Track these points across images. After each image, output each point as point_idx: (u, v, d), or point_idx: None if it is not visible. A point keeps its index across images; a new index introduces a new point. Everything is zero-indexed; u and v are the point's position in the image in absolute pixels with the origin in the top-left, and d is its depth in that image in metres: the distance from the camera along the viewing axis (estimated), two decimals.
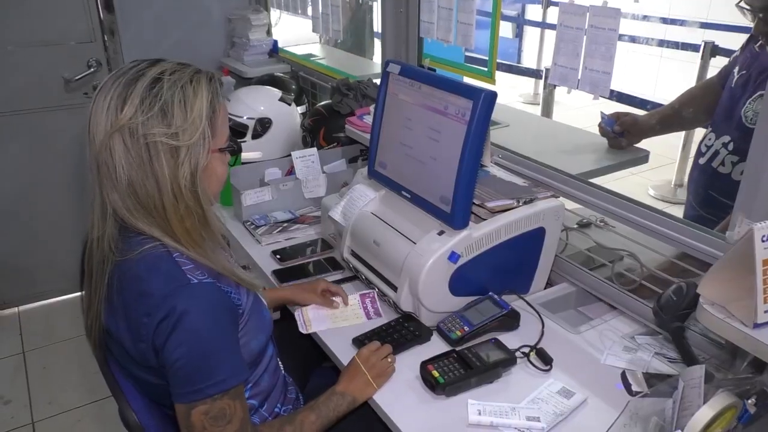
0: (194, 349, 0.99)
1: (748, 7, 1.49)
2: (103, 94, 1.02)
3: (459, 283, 1.38)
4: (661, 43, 4.56)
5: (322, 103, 2.38)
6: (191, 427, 1.01)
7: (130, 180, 1.01)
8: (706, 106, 1.71)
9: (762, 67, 1.52)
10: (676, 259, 1.39)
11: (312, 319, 1.36)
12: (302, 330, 1.34)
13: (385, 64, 1.53)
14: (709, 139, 1.64)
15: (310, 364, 1.57)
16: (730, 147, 1.56)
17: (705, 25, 4.18)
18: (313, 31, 2.70)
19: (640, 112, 1.91)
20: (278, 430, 1.13)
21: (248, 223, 1.91)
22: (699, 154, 1.68)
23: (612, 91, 1.42)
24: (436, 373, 1.21)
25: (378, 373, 1.25)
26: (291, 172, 2.08)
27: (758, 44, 1.54)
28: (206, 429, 1.01)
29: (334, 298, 1.49)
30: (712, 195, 1.63)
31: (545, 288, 1.57)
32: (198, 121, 1.02)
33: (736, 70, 1.60)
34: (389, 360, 1.27)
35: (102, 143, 1.00)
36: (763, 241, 0.91)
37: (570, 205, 1.56)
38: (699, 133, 1.82)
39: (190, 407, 1.00)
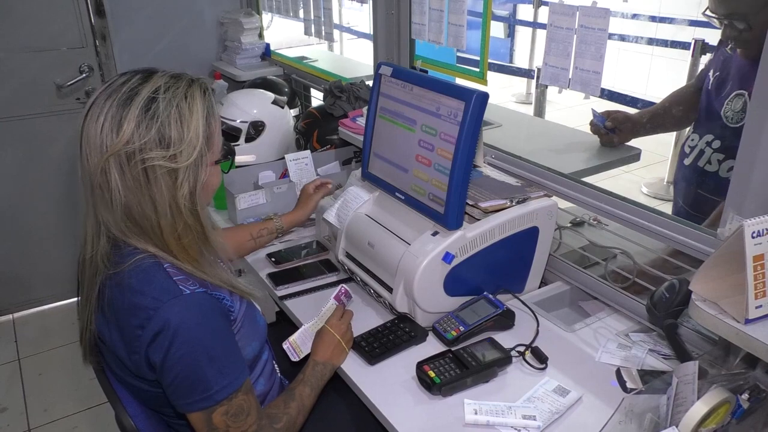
0: (197, 360, 1.00)
1: (714, 15, 1.51)
2: (95, 112, 0.99)
3: (454, 284, 1.38)
4: (651, 42, 4.58)
5: (315, 105, 2.38)
6: (216, 430, 1.04)
7: (126, 203, 1.01)
8: (690, 108, 1.74)
9: (735, 68, 1.54)
10: (669, 256, 1.40)
11: (300, 345, 1.36)
12: (294, 359, 1.34)
13: (377, 66, 1.53)
14: (692, 140, 1.65)
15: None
16: (715, 145, 1.57)
17: (694, 23, 4.20)
18: (305, 33, 2.70)
19: (632, 111, 1.92)
20: (285, 408, 1.17)
21: None
22: (683, 155, 1.69)
23: (603, 90, 1.43)
24: (432, 374, 1.22)
25: (348, 338, 1.34)
26: (285, 175, 2.08)
27: (729, 47, 1.56)
28: (230, 427, 1.04)
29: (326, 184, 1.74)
30: (701, 193, 1.64)
31: (539, 287, 1.58)
32: (195, 140, 1.02)
33: (711, 73, 1.63)
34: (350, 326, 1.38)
35: (96, 166, 0.99)
36: (753, 237, 0.92)
37: (563, 204, 1.57)
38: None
39: (209, 412, 1.03)
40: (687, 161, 1.66)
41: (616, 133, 1.81)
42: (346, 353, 1.32)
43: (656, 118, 1.83)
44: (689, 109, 1.75)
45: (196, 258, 1.07)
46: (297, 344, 1.35)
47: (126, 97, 0.99)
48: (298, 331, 1.37)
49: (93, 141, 0.99)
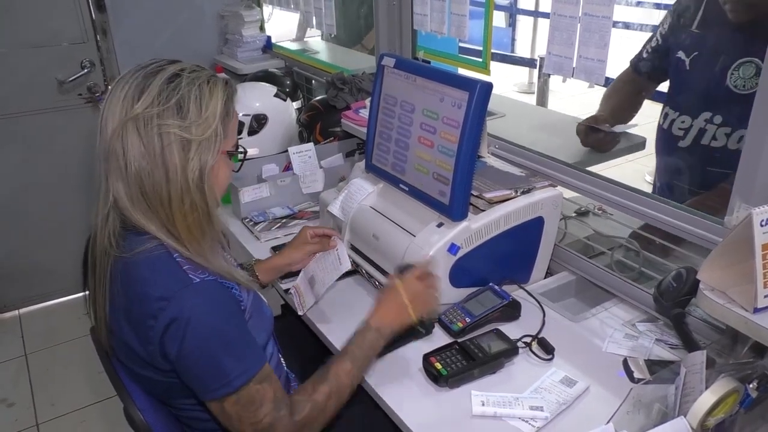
0: (210, 349, 1.00)
1: None
2: (121, 84, 1.03)
3: (459, 275, 1.38)
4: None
5: (318, 98, 2.37)
6: (229, 418, 1.04)
7: (138, 169, 1.01)
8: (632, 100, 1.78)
9: (726, 41, 1.53)
10: (676, 245, 1.39)
11: (304, 293, 1.33)
12: (300, 311, 1.31)
13: (380, 57, 1.52)
14: (683, 122, 1.63)
15: (313, 359, 1.57)
16: (717, 120, 1.55)
17: None
18: (306, 25, 2.69)
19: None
20: (312, 393, 1.11)
21: (247, 220, 1.91)
22: (675, 138, 1.66)
23: (607, 79, 1.42)
24: (438, 365, 1.22)
25: (422, 305, 1.22)
26: (288, 167, 2.07)
27: (695, 27, 1.55)
28: (241, 416, 1.04)
29: (328, 237, 1.47)
30: (710, 170, 1.62)
31: (545, 277, 1.57)
32: (211, 119, 1.04)
33: (682, 54, 1.60)
34: (432, 291, 1.25)
35: (114, 131, 1.01)
36: (762, 225, 0.92)
37: (568, 193, 1.56)
38: None
39: (222, 401, 1.03)
40: (683, 143, 1.64)
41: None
42: (409, 315, 1.20)
43: (618, 117, 1.82)
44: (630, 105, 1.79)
45: (198, 240, 1.06)
46: (302, 293, 1.32)
47: (152, 71, 1.03)
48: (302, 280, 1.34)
49: (114, 107, 1.02)
